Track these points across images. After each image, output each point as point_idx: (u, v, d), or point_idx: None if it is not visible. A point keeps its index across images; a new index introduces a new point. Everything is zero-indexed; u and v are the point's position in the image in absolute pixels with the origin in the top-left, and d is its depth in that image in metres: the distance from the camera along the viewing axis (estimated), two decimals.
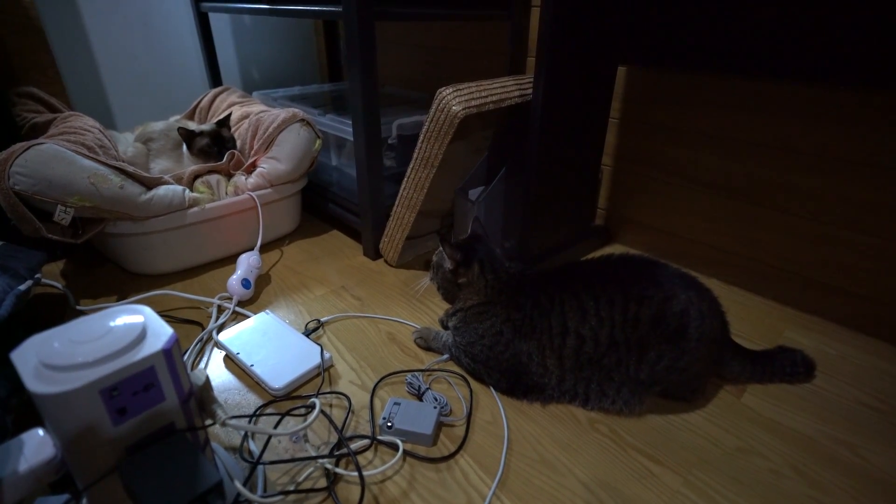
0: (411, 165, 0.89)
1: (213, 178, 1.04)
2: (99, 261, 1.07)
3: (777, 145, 0.89)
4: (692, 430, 0.68)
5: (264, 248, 1.13)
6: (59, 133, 0.97)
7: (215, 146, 1.12)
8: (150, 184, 0.93)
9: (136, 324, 0.46)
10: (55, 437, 0.44)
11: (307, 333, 0.84)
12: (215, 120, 1.19)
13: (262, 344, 0.79)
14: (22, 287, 0.69)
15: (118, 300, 0.93)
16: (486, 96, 0.83)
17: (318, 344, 0.79)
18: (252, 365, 0.74)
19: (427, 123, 0.84)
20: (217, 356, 0.80)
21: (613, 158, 1.14)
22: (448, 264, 0.74)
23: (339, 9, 0.88)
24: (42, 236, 0.84)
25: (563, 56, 0.84)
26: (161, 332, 0.46)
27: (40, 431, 0.46)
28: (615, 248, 1.19)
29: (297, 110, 1.10)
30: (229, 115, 1.22)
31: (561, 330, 0.67)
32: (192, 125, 1.16)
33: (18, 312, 0.70)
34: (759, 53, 0.85)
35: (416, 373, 0.76)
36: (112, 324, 0.46)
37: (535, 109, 0.85)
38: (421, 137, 0.86)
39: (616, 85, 1.06)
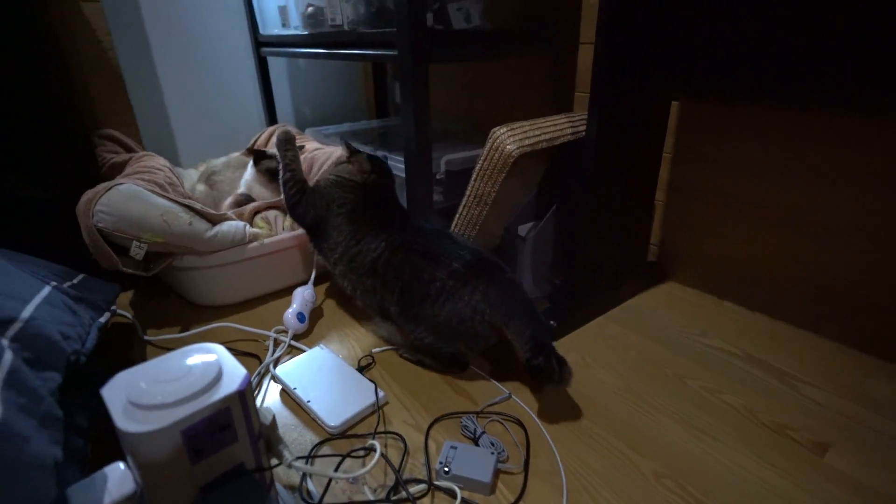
0: (463, 203, 0.91)
1: (272, 213, 1.09)
2: (162, 291, 1.13)
3: (843, 177, 0.85)
4: (768, 489, 0.63)
5: (316, 281, 1.16)
6: (135, 172, 1.05)
7: None
8: (215, 220, 0.98)
9: (212, 364, 0.48)
10: (136, 472, 0.45)
11: (360, 369, 0.85)
12: (260, 142, 1.24)
13: (317, 379, 0.80)
14: (102, 319, 0.73)
15: (181, 331, 0.97)
16: (540, 135, 0.84)
17: (373, 381, 0.79)
18: (309, 401, 0.75)
19: (480, 162, 0.85)
20: (273, 389, 0.82)
21: (666, 193, 1.12)
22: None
23: (395, 52, 0.92)
24: (118, 269, 0.89)
25: (616, 93, 0.84)
26: (235, 373, 0.48)
27: (121, 465, 0.48)
28: (669, 286, 1.15)
29: None
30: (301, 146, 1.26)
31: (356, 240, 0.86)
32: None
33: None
34: (820, 87, 0.83)
35: (470, 415, 0.75)
36: (191, 363, 0.48)
37: (589, 147, 0.85)
38: (474, 175, 0.87)
39: (669, 119, 1.05)
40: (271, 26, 1.41)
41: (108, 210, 0.85)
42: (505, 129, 0.82)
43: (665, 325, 1.00)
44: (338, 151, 1.14)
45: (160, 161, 1.13)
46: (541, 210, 1.04)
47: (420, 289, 0.78)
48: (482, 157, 0.84)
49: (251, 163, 1.21)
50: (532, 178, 0.96)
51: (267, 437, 0.54)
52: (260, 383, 0.83)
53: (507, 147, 0.79)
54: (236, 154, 1.42)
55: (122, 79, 1.28)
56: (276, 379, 0.81)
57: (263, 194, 1.18)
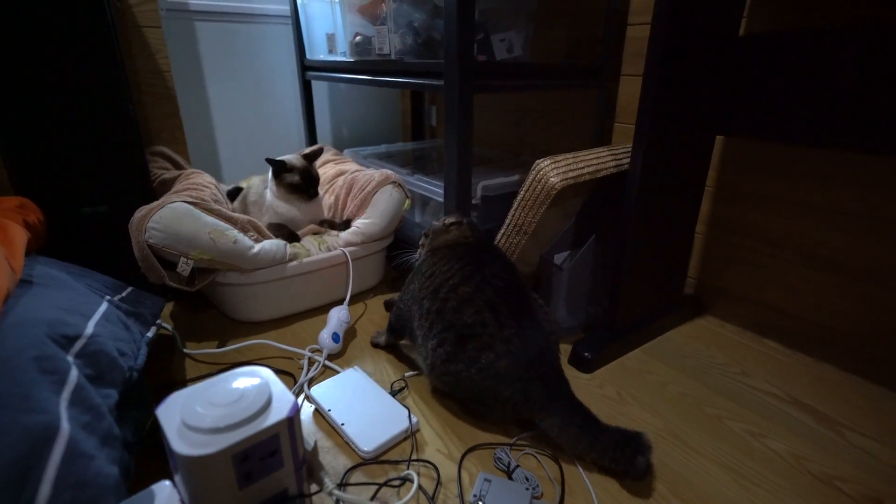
0: (503, 231, 0.91)
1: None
2: (202, 305, 1.16)
3: (892, 220, 0.83)
4: None
5: (350, 302, 1.18)
6: (184, 189, 1.09)
7: (304, 184, 1.13)
8: (264, 234, 1.01)
9: (263, 389, 0.49)
10: (184, 492, 0.46)
11: (393, 394, 0.85)
12: (304, 152, 1.17)
13: (351, 402, 0.80)
14: (150, 334, 0.75)
15: (219, 345, 0.99)
16: (583, 167, 0.84)
17: (406, 407, 0.79)
18: (343, 424, 0.76)
19: (522, 192, 0.85)
20: (306, 409, 0.83)
21: (707, 226, 1.10)
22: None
23: (441, 83, 0.94)
24: (165, 284, 0.92)
25: (663, 127, 0.84)
26: (285, 399, 0.48)
27: (167, 483, 0.49)
28: (707, 320, 1.12)
29: (389, 172, 1.17)
30: (320, 150, 1.20)
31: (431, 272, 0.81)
32: (287, 157, 1.14)
33: None
34: (869, 128, 0.81)
35: (504, 447, 0.74)
36: (242, 387, 0.49)
37: (633, 180, 0.84)
38: (515, 205, 0.87)
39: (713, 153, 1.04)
40: (318, 52, 1.47)
41: (160, 227, 0.89)
42: (549, 162, 0.83)
43: (704, 361, 0.97)
44: (377, 175, 1.16)
45: (207, 178, 1.18)
46: (577, 239, 1.03)
47: (473, 349, 0.73)
48: (524, 188, 0.85)
49: (270, 175, 1.14)
50: (571, 209, 0.96)
51: (309, 464, 0.55)
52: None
53: (551, 179, 0.80)
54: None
55: (176, 100, 1.35)
56: (310, 399, 0.82)
57: (285, 209, 1.15)
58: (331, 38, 1.36)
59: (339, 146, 1.86)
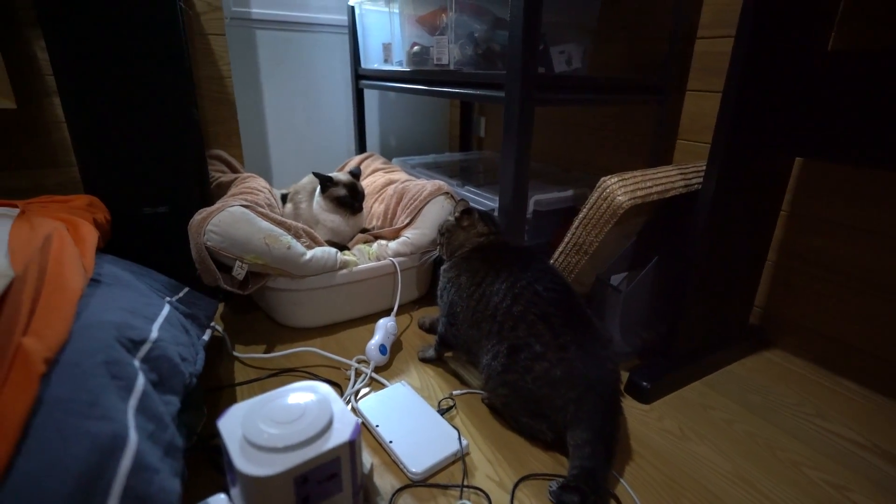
0: (560, 249, 0.87)
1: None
2: (249, 308, 1.17)
3: None
4: None
5: (396, 313, 1.16)
6: (239, 192, 1.11)
7: (350, 198, 1.17)
8: (317, 242, 1.01)
9: (325, 408, 0.47)
10: None
11: (441, 412, 0.82)
12: (348, 169, 1.23)
13: (399, 418, 0.78)
14: (205, 337, 0.76)
15: (266, 350, 0.99)
16: (651, 187, 0.80)
17: (455, 428, 0.76)
18: (391, 442, 0.73)
19: (585, 210, 0.82)
20: None
21: (777, 253, 1.03)
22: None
23: (502, 94, 0.92)
24: (219, 286, 0.93)
25: (740, 147, 0.79)
26: (346, 420, 0.47)
27: (223, 497, 0.48)
28: (774, 354, 1.04)
29: (441, 183, 1.15)
30: (359, 167, 1.27)
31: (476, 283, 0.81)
32: (333, 174, 1.20)
33: None
34: None
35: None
36: (304, 403, 0.48)
37: (704, 202, 0.79)
38: (576, 223, 0.84)
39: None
40: (373, 61, 1.47)
41: (218, 230, 0.90)
42: (616, 179, 0.79)
43: (773, 399, 0.90)
44: (429, 185, 1.15)
45: (261, 183, 1.19)
46: (636, 261, 0.98)
47: (526, 360, 0.72)
48: (587, 206, 0.81)
49: (318, 189, 1.19)
50: (632, 228, 0.91)
51: (366, 488, 0.53)
52: None
53: (619, 198, 0.76)
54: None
55: (235, 105, 1.38)
56: (356, 412, 0.81)
57: (331, 221, 1.18)
58: (387, 48, 1.36)
59: (387, 155, 1.86)
